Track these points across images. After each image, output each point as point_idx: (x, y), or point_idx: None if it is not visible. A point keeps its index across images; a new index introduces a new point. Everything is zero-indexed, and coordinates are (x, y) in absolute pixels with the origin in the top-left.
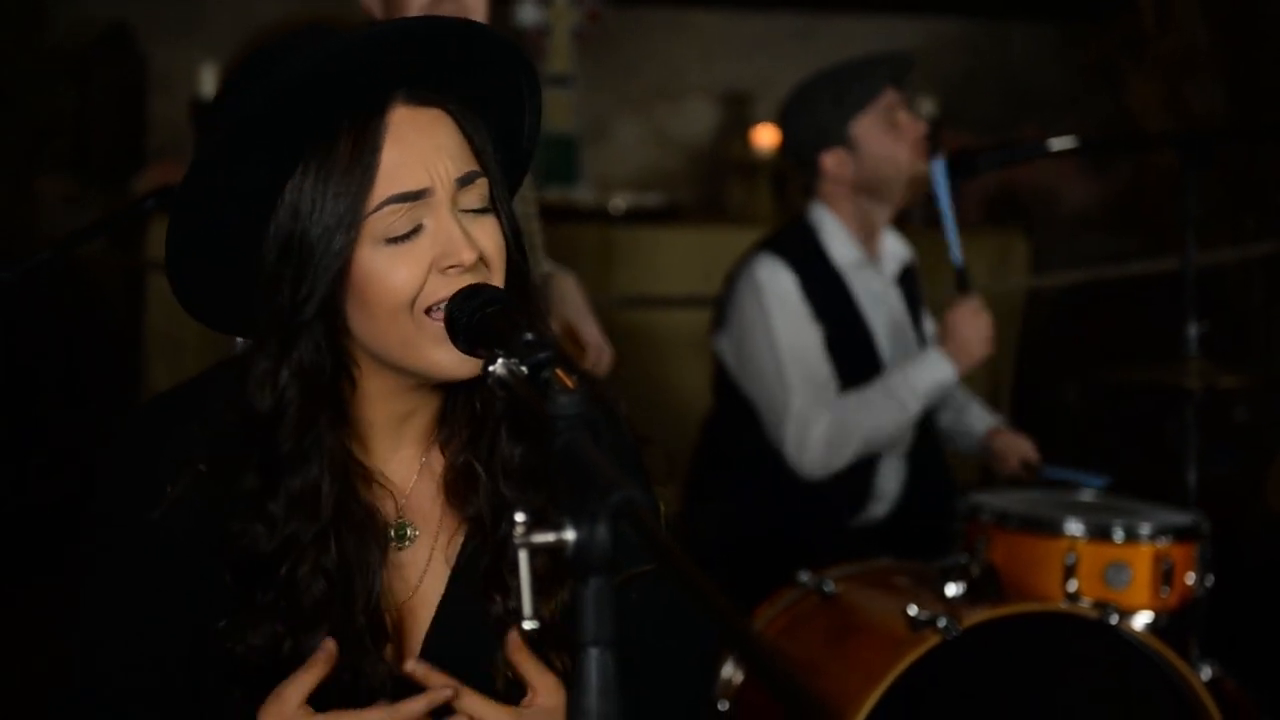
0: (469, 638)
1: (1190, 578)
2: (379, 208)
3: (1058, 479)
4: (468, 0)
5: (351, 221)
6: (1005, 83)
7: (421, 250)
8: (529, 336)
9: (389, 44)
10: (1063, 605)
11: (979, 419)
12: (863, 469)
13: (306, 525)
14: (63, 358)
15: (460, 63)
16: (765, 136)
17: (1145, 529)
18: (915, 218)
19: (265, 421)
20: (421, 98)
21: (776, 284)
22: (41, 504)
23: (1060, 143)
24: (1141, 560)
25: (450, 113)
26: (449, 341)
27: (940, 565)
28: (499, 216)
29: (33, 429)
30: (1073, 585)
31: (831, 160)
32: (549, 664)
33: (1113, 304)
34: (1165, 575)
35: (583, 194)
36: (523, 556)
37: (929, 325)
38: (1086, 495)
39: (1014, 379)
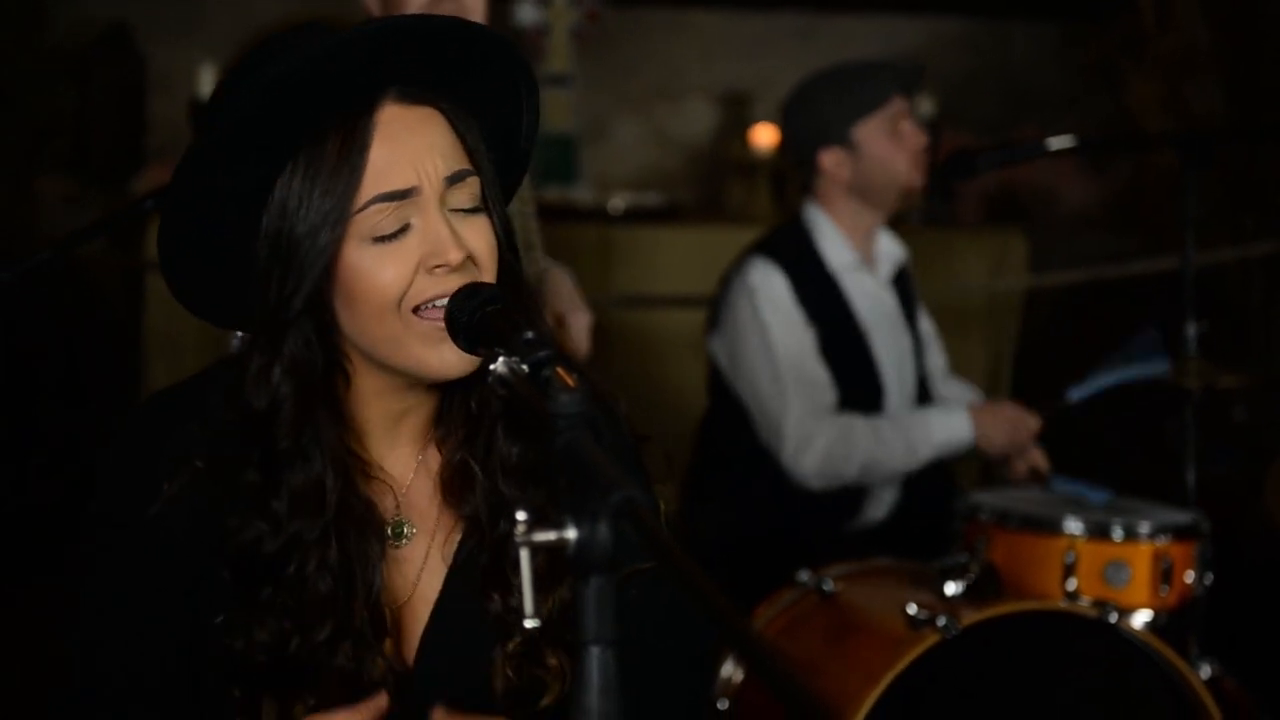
0: (466, 636)
1: (1189, 576)
2: (366, 206)
3: (1063, 493)
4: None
5: (337, 219)
6: (1005, 83)
7: (409, 249)
8: (529, 335)
9: (384, 42)
10: (1062, 604)
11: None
12: None
13: (311, 522)
14: (62, 357)
15: (457, 62)
16: (764, 136)
17: (1144, 528)
18: (913, 218)
19: (262, 419)
20: (413, 96)
21: (770, 287)
22: (41, 504)
23: (1060, 142)
24: (1141, 559)
25: (443, 111)
26: (437, 341)
27: (940, 564)
28: (491, 216)
29: (32, 429)
30: (1072, 584)
31: (830, 159)
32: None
33: (1112, 304)
34: (1164, 574)
35: (582, 194)
36: (524, 555)
37: (924, 325)
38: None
39: (1013, 379)
